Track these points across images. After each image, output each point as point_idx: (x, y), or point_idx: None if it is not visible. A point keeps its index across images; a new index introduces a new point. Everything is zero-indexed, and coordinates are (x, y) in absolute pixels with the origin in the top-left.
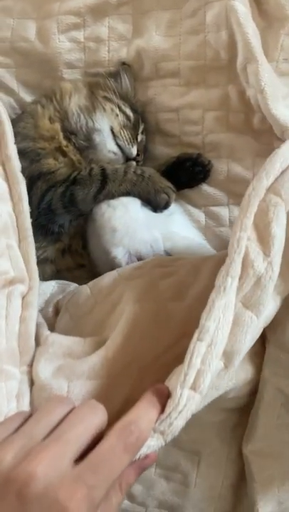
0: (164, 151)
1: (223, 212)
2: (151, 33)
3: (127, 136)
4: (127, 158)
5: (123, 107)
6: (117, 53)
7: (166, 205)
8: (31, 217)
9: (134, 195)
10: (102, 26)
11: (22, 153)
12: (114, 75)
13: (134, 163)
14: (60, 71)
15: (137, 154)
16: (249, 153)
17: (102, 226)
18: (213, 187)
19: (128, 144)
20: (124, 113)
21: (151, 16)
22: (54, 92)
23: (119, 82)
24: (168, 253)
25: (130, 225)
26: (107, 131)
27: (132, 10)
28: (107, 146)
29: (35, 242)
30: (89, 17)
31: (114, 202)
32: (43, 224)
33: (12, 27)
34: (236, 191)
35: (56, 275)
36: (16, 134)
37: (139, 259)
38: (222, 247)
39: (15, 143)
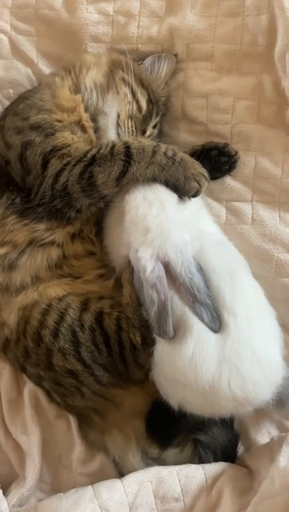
0: (189, 139)
1: (246, 208)
2: (185, 11)
3: (131, 128)
4: None
5: (139, 95)
6: (147, 30)
7: (195, 194)
8: (44, 198)
9: (160, 181)
10: (133, 0)
11: (37, 127)
12: (154, 58)
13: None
14: (84, 44)
15: None
16: (279, 148)
17: (134, 222)
18: (238, 181)
19: (129, 136)
20: (137, 102)
21: None
22: (74, 65)
23: (152, 68)
24: (195, 260)
25: (165, 226)
26: (113, 117)
27: None
28: (108, 133)
29: (43, 223)
30: None
31: (150, 195)
32: (58, 208)
33: None
34: (262, 187)
35: (63, 261)
36: (31, 107)
37: (165, 265)
38: (241, 246)
39: (30, 116)
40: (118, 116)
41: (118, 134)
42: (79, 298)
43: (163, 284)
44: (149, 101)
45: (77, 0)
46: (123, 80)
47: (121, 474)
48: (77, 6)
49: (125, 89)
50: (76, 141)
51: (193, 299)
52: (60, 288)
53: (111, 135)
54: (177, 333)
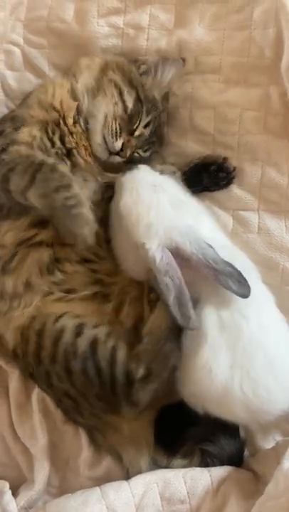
0: (196, 149)
1: (253, 217)
2: (194, 24)
3: (114, 129)
4: (110, 152)
5: (125, 94)
6: (156, 43)
7: None
8: None
9: None
10: (143, 14)
11: (13, 118)
12: (158, 60)
13: None
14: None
15: (122, 149)
16: (285, 158)
17: (134, 223)
18: (244, 190)
19: (112, 137)
20: (123, 102)
21: (195, 7)
22: (71, 69)
23: (156, 70)
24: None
25: (165, 216)
26: (101, 119)
27: (176, 0)
28: (96, 135)
29: (17, 219)
30: (131, 3)
31: (140, 195)
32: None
33: (50, 6)
34: (268, 197)
35: (55, 264)
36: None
37: (176, 251)
38: (247, 254)
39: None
40: (106, 118)
41: (104, 137)
42: (74, 320)
43: (174, 269)
44: (137, 99)
45: (88, 13)
46: (111, 81)
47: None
48: (88, 20)
49: (113, 90)
50: (35, 143)
51: (214, 272)
52: (56, 307)
53: (98, 138)
54: (191, 340)
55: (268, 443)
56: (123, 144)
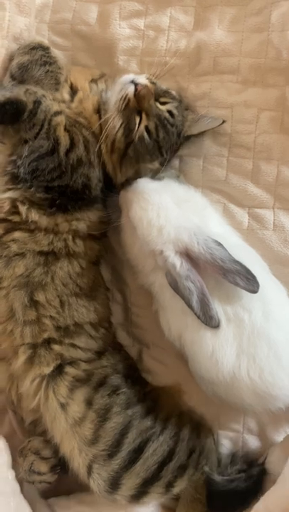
0: (213, 148)
1: (268, 215)
2: (213, 26)
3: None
4: (132, 80)
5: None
6: (175, 44)
7: None
8: None
9: None
10: (163, 16)
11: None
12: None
13: None
14: (116, 57)
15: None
16: None
17: (146, 230)
18: (260, 188)
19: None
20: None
21: (215, 10)
22: None
23: (196, 119)
24: (211, 238)
25: (172, 218)
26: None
27: (196, 3)
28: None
29: None
30: (152, 5)
31: (145, 203)
32: None
33: (74, 9)
34: (284, 195)
35: None
36: None
37: (186, 253)
38: (262, 251)
39: None
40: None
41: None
42: None
43: (194, 273)
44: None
45: (111, 16)
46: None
47: None
48: (110, 22)
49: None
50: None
51: (222, 271)
52: None
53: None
54: (198, 331)
55: (279, 436)
56: (146, 85)
